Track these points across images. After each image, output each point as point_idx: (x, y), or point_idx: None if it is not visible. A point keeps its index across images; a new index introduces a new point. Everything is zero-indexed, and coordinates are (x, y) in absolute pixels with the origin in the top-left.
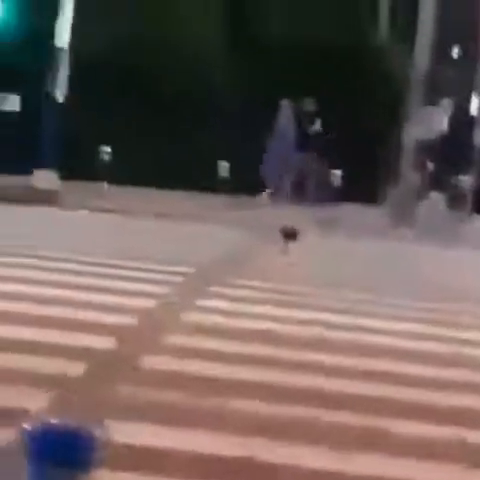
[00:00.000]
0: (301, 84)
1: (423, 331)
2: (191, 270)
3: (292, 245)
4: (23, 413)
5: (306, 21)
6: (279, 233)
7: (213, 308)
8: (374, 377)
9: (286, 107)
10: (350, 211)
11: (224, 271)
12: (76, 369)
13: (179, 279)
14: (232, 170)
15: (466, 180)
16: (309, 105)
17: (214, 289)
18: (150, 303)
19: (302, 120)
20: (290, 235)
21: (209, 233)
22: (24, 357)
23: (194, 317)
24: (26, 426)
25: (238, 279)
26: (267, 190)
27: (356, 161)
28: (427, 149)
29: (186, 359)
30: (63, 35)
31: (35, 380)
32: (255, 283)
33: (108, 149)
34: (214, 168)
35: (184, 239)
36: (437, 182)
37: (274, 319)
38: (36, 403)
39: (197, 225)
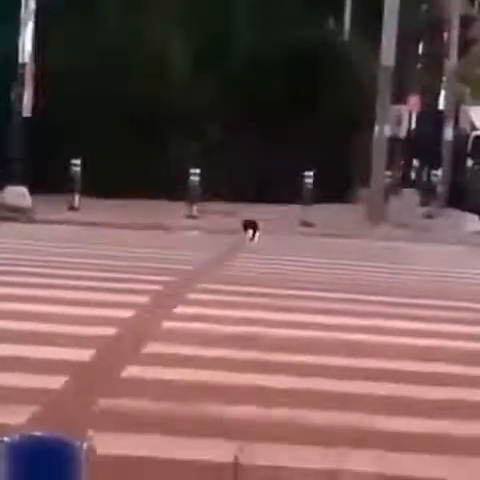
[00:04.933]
0: (270, 87)
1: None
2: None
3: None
4: (4, 428)
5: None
6: (241, 226)
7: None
8: (359, 375)
9: None
10: (323, 211)
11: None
12: (56, 383)
13: (159, 288)
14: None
15: (438, 175)
16: None
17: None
18: (130, 313)
19: None
20: (252, 226)
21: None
22: (4, 373)
23: (174, 325)
24: (5, 439)
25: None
26: None
27: (326, 162)
28: (397, 146)
29: (167, 367)
30: (26, 50)
31: (16, 395)
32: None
33: (78, 162)
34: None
35: (161, 248)
36: (409, 179)
37: (254, 322)
38: (17, 418)
39: (172, 233)
